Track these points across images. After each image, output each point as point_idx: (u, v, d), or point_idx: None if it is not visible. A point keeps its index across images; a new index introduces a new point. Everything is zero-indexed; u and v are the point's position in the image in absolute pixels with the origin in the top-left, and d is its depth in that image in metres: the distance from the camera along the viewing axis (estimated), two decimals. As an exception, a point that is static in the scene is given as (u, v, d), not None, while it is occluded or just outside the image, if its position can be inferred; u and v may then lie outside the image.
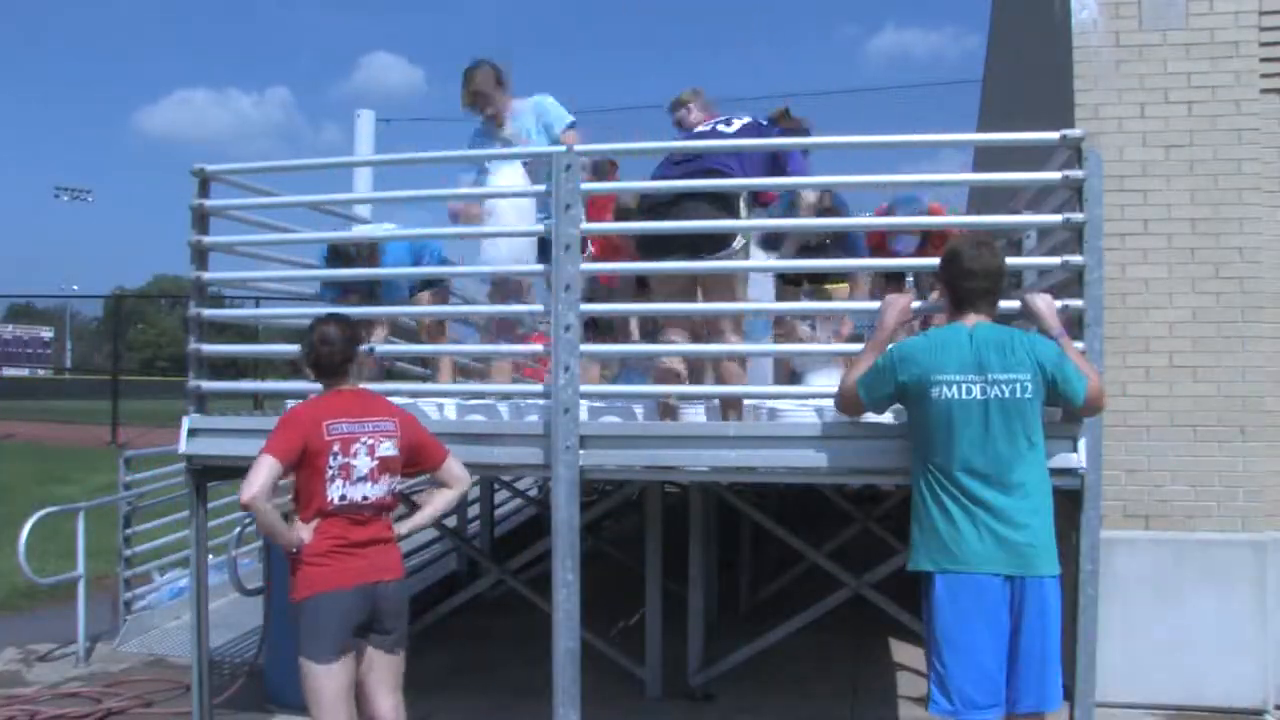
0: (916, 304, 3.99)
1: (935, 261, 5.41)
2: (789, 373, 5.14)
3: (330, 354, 3.58)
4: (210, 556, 5.17)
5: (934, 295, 4.11)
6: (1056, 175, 3.82)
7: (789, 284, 5.65)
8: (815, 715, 5.20)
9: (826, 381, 4.23)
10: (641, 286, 5.51)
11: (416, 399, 4.69)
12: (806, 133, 4.90)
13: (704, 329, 4.50)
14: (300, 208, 5.04)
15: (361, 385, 3.75)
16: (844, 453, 3.90)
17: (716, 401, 4.57)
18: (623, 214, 5.25)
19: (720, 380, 4.60)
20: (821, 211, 5.32)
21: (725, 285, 4.43)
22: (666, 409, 4.46)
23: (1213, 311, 5.31)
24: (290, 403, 4.68)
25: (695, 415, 4.60)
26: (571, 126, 5.13)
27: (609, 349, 5.44)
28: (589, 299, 4.36)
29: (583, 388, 4.04)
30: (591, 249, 5.44)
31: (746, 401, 4.48)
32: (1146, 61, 5.39)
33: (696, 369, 4.77)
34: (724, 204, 4.30)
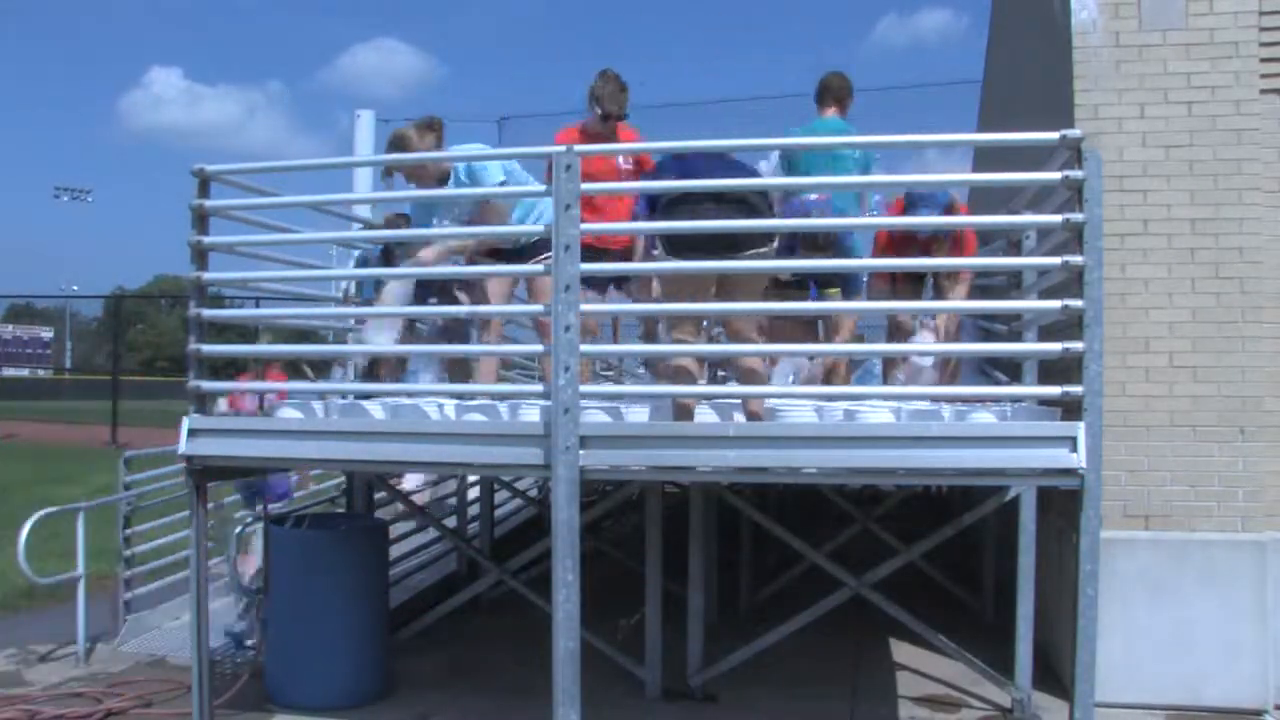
0: None
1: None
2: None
3: None
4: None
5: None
6: (1056, 175, 3.81)
7: (791, 287, 5.68)
8: (815, 715, 5.20)
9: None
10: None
11: (416, 399, 4.69)
12: None
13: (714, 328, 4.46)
14: (300, 208, 5.03)
15: None
16: (844, 453, 3.89)
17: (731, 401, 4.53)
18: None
19: (742, 381, 4.57)
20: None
21: (752, 286, 4.43)
22: (683, 409, 4.39)
23: (1213, 311, 5.31)
24: (285, 404, 4.70)
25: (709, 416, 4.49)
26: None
27: (608, 349, 5.43)
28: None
29: (584, 388, 4.03)
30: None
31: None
32: (1146, 62, 5.40)
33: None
34: (747, 204, 4.31)
